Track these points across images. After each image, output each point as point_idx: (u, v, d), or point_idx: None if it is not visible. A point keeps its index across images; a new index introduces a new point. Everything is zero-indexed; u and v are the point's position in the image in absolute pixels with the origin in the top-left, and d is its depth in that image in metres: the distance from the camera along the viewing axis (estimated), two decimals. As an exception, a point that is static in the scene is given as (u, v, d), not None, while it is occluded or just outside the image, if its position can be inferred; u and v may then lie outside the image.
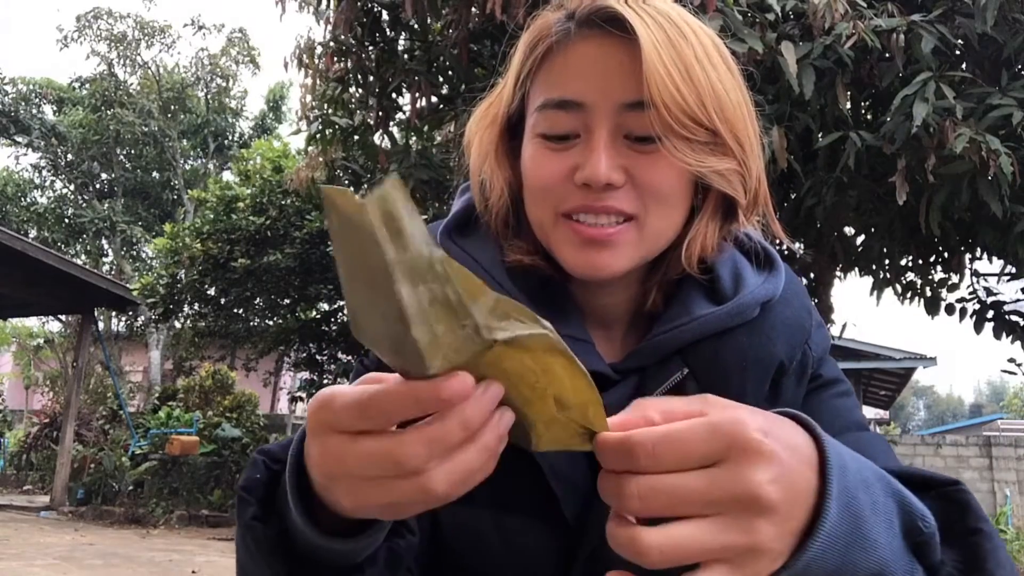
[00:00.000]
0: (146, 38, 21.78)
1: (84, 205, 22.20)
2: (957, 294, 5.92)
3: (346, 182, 8.23)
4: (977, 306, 5.75)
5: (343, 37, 5.43)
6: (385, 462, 0.40)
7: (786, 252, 5.16)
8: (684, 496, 0.41)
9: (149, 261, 21.06)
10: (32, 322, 22.01)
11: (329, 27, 5.54)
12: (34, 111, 21.71)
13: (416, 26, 5.55)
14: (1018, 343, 5.55)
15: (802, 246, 5.59)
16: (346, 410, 0.41)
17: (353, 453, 0.41)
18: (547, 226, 0.67)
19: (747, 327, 0.68)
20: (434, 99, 5.75)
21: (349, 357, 13.54)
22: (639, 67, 0.60)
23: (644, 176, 0.63)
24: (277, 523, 0.53)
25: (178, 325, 15.17)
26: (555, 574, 0.64)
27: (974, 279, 5.84)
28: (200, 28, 22.02)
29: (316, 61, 5.73)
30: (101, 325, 14.93)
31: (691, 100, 0.60)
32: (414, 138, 6.32)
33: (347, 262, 0.38)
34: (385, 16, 5.58)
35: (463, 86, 5.61)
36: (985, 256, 5.67)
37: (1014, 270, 5.51)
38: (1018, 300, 5.72)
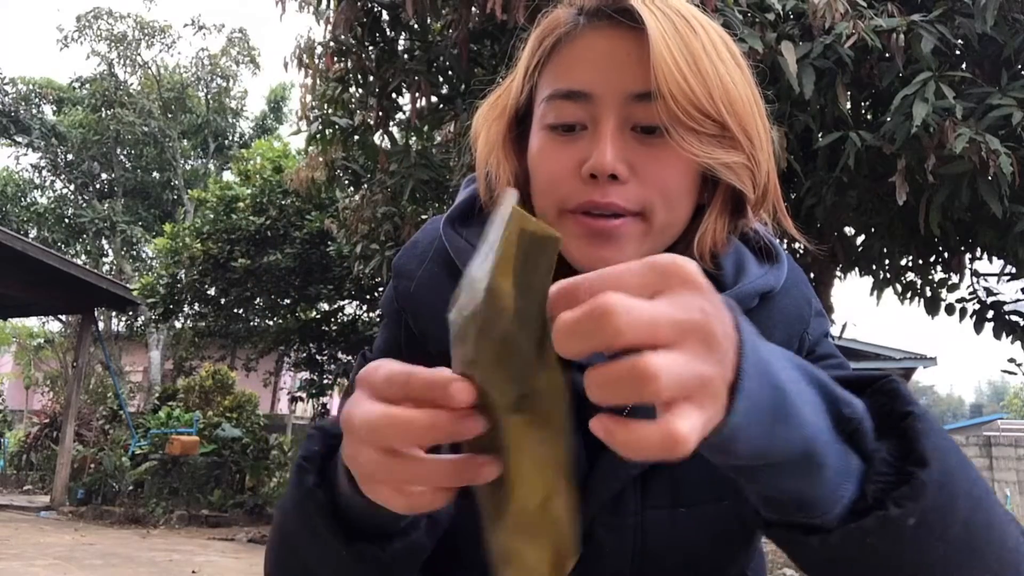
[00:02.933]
0: (146, 38, 21.78)
1: (84, 205, 22.20)
2: (957, 294, 5.94)
3: (346, 182, 8.22)
4: (977, 306, 5.75)
5: (343, 37, 5.43)
6: (365, 424, 0.42)
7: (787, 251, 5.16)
8: (658, 318, 0.36)
9: (149, 261, 21.05)
10: (32, 322, 22.03)
11: (329, 27, 5.54)
12: (34, 111, 21.72)
13: (416, 26, 5.55)
14: (1018, 343, 5.56)
15: (804, 245, 5.60)
16: (384, 372, 0.43)
17: (358, 409, 0.43)
18: (552, 221, 0.67)
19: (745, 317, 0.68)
20: (434, 99, 5.75)
21: (349, 357, 13.52)
22: (647, 58, 0.60)
23: (650, 169, 0.63)
24: (329, 492, 0.56)
25: (178, 325, 15.16)
26: None
27: (974, 279, 5.85)
28: (200, 28, 22.02)
29: (316, 61, 5.73)
30: (101, 325, 14.92)
31: (699, 91, 0.60)
32: (414, 138, 6.32)
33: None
34: (385, 16, 5.58)
35: (463, 86, 5.62)
36: (985, 256, 5.67)
37: (1014, 270, 5.51)
38: (1018, 300, 5.73)
